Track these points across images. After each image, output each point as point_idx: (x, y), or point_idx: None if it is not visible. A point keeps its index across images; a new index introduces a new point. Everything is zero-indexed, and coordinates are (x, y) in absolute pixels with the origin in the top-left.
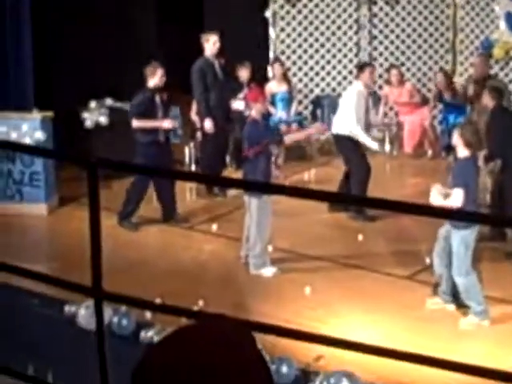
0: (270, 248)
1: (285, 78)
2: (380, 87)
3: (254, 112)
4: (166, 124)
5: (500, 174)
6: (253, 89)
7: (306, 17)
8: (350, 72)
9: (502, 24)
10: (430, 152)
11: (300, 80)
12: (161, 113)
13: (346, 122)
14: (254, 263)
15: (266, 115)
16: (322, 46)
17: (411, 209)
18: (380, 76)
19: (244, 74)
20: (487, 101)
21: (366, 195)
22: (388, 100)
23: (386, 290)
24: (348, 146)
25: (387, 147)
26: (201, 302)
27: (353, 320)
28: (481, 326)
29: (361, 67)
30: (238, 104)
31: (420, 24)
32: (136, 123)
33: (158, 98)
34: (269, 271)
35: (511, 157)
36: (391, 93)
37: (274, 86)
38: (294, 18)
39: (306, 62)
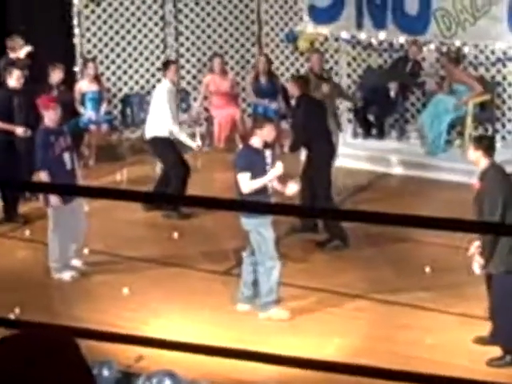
0: (85, 251)
1: (95, 77)
2: (188, 83)
3: (47, 119)
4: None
5: (306, 163)
6: (43, 97)
7: (111, 15)
8: (158, 69)
9: (306, 16)
10: (240, 146)
11: (108, 79)
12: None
13: (162, 123)
14: (54, 267)
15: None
16: (129, 44)
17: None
18: (188, 72)
19: (56, 75)
20: (292, 90)
21: (183, 193)
22: (207, 89)
23: (204, 287)
24: (162, 149)
25: (198, 143)
26: (17, 310)
27: (173, 319)
28: (283, 316)
29: (165, 65)
30: None
31: (225, 18)
32: None
33: (16, 100)
34: (67, 275)
35: (316, 146)
36: (213, 81)
37: (85, 86)
38: (99, 16)
39: (113, 61)
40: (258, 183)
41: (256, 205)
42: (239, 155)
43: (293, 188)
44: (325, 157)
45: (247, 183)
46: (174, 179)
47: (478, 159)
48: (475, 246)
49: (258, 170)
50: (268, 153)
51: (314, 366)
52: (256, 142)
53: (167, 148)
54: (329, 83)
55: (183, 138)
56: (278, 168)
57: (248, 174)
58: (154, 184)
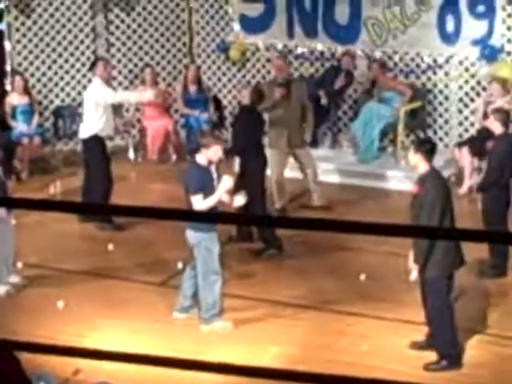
0: (19, 265)
1: (25, 90)
2: None
3: None
4: None
5: (240, 171)
6: None
7: (41, 27)
8: (90, 81)
9: (237, 26)
10: (174, 157)
11: (39, 92)
12: None
13: (96, 120)
14: None
15: None
16: (60, 56)
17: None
18: (120, 83)
19: None
20: (244, 98)
21: (109, 203)
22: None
23: (140, 298)
24: (93, 151)
25: (131, 155)
26: None
27: (110, 331)
28: (227, 328)
29: (93, 63)
30: None
31: (156, 29)
32: None
33: None
34: (2, 290)
35: (250, 155)
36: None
37: (15, 99)
38: (29, 29)
39: (44, 73)
40: (211, 201)
41: (195, 214)
42: (189, 176)
43: (240, 200)
44: (259, 167)
45: (201, 204)
46: (97, 189)
47: (416, 163)
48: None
49: (208, 187)
50: (213, 168)
51: (250, 372)
52: (201, 159)
53: (97, 153)
54: (283, 88)
55: (134, 96)
56: (227, 182)
57: (201, 195)
58: (81, 193)
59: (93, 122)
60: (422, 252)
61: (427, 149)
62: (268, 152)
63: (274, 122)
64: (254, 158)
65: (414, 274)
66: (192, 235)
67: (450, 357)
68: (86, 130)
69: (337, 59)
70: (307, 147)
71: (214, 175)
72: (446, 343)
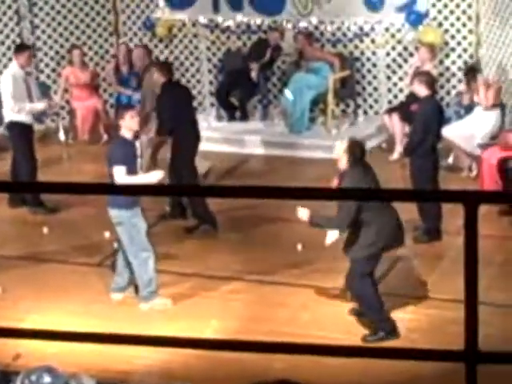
0: None
1: None
2: (48, 76)
3: None
4: None
5: (171, 150)
6: None
7: None
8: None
9: (162, 2)
10: (105, 137)
11: None
12: None
13: (7, 105)
14: None
15: None
16: None
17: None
18: (47, 65)
19: None
20: (157, 77)
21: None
22: (68, 82)
23: (77, 280)
24: (16, 134)
25: (62, 136)
26: None
27: (48, 314)
28: (167, 304)
29: (18, 48)
30: None
31: (81, 9)
32: None
33: None
34: None
35: (180, 132)
36: (73, 73)
37: None
38: None
39: None
40: (132, 180)
41: (124, 188)
42: (113, 148)
43: (157, 175)
44: (190, 142)
45: (123, 177)
46: (22, 172)
47: (341, 159)
48: None
49: (131, 161)
50: (138, 144)
51: (193, 344)
52: (126, 133)
53: (20, 136)
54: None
55: (28, 107)
56: (155, 175)
57: (123, 168)
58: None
59: (9, 107)
60: (325, 221)
61: (356, 153)
62: None
63: None
64: (187, 132)
65: (330, 239)
66: (116, 214)
67: (384, 329)
68: (6, 116)
69: (263, 32)
70: None
71: (138, 151)
72: (376, 319)
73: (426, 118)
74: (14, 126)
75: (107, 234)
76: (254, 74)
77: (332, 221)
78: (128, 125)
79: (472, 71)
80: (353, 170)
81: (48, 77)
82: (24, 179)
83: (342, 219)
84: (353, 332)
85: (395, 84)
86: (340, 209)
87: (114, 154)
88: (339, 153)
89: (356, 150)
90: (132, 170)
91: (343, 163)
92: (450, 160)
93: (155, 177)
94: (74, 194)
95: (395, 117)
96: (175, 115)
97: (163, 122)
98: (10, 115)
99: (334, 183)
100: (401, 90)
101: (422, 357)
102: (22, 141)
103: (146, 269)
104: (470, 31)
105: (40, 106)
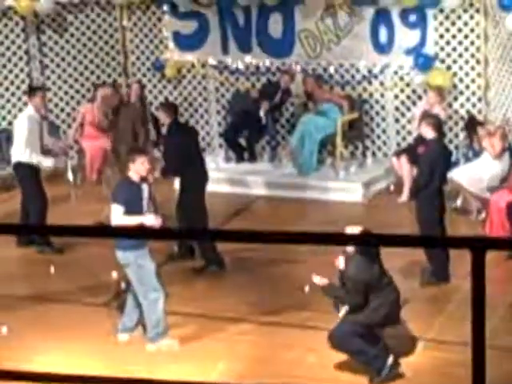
0: None
1: None
2: (57, 116)
3: None
4: None
5: (180, 191)
6: None
7: None
8: (25, 104)
9: (171, 43)
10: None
11: None
12: None
13: (19, 147)
14: None
15: None
16: None
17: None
18: (56, 105)
19: None
20: (163, 118)
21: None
22: (84, 119)
23: (83, 321)
24: (24, 175)
25: (70, 177)
26: None
27: (55, 355)
28: (173, 346)
29: (31, 91)
30: None
31: (90, 50)
32: None
33: None
34: None
35: (188, 173)
36: (91, 111)
37: None
38: None
39: None
40: (130, 221)
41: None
42: (117, 188)
43: (151, 219)
44: (199, 182)
45: (119, 217)
46: (32, 209)
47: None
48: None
49: (134, 203)
50: (145, 186)
51: None
52: (133, 175)
53: (28, 176)
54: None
55: (36, 159)
56: (150, 219)
57: (121, 208)
58: (20, 217)
59: (20, 150)
60: (339, 294)
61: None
62: None
63: None
64: (195, 172)
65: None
66: (121, 256)
67: (383, 369)
68: (14, 157)
69: (272, 74)
70: None
71: (145, 195)
72: (369, 361)
73: (432, 160)
74: (21, 167)
75: (114, 274)
76: (262, 115)
77: (346, 298)
78: (137, 169)
79: (471, 124)
80: (360, 257)
81: (57, 117)
82: (34, 218)
83: (353, 302)
84: (359, 375)
85: (403, 126)
86: (350, 291)
87: (115, 193)
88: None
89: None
90: (136, 212)
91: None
92: (459, 203)
93: (150, 220)
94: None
95: (403, 159)
96: (183, 155)
97: (170, 162)
98: (18, 156)
99: (338, 263)
100: (409, 133)
101: None
102: (30, 181)
103: (155, 309)
104: (479, 74)
105: (48, 162)
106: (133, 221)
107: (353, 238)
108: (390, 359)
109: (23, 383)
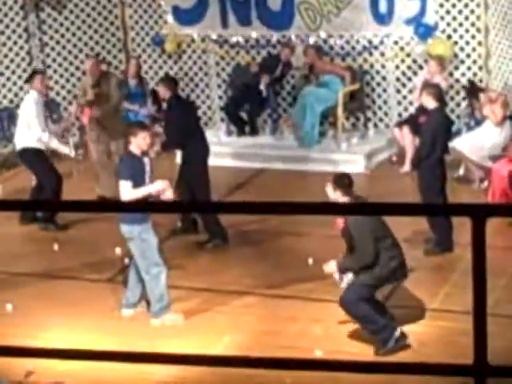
0: None
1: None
2: (57, 93)
3: None
4: None
5: (182, 164)
6: None
7: None
8: (26, 82)
9: (170, 18)
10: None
11: None
12: None
13: (31, 133)
14: None
15: None
16: None
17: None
18: (56, 82)
19: None
20: (163, 92)
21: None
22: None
23: (88, 296)
24: (33, 159)
25: (72, 152)
26: None
27: (60, 331)
28: (178, 320)
29: (30, 76)
30: None
31: (90, 26)
32: None
33: None
34: None
35: (190, 146)
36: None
37: None
38: None
39: None
40: (139, 193)
41: (136, 204)
42: (121, 163)
43: (159, 184)
44: (200, 155)
45: (128, 191)
46: (47, 189)
47: (337, 198)
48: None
49: (138, 176)
50: (146, 160)
51: (203, 362)
52: (134, 149)
53: (37, 158)
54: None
55: (55, 145)
56: (158, 185)
57: (130, 183)
58: (29, 194)
59: (26, 134)
60: (352, 262)
61: (345, 183)
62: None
63: None
64: (197, 146)
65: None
66: (127, 229)
67: (389, 339)
68: (21, 142)
69: (272, 46)
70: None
71: (147, 168)
72: (377, 331)
73: (433, 129)
74: (27, 153)
75: (118, 250)
76: (263, 88)
77: (357, 258)
78: (138, 143)
79: (472, 90)
80: (351, 200)
81: (57, 94)
82: (49, 196)
83: (365, 253)
84: (365, 346)
85: (405, 97)
86: (359, 245)
87: (120, 169)
88: (332, 195)
89: (344, 181)
90: (141, 185)
91: (339, 199)
92: (461, 172)
93: (158, 186)
94: (84, 212)
95: (405, 130)
96: (184, 129)
97: (171, 136)
98: (23, 142)
99: (339, 224)
100: (410, 103)
101: (431, 371)
102: (41, 164)
103: (158, 284)
104: (480, 43)
105: (65, 150)
106: (142, 192)
107: (355, 208)
108: (398, 331)
109: (29, 359)
